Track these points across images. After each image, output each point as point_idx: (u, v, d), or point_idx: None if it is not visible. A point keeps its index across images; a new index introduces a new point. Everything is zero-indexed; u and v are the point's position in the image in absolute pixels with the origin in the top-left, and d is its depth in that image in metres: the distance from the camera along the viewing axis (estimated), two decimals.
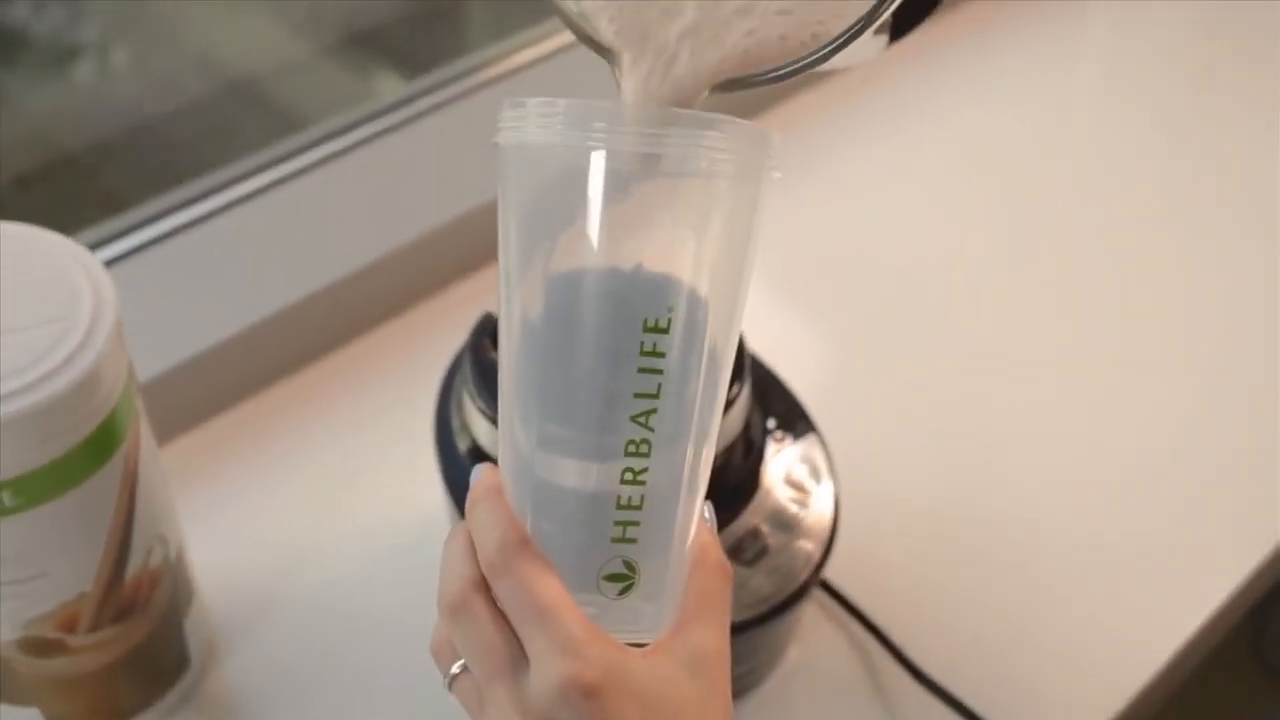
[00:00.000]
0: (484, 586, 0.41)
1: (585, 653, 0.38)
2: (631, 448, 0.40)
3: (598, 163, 0.39)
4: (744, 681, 0.64)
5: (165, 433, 0.72)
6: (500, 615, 0.41)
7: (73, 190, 1.10)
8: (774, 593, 0.59)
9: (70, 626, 0.56)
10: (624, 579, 0.42)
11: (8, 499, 0.50)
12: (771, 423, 0.63)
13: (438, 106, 0.89)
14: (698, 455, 0.42)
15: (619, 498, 0.41)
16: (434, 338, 0.79)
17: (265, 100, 1.22)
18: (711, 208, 0.40)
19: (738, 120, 0.40)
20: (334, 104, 1.17)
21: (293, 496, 0.73)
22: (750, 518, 0.60)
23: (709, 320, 0.40)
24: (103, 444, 0.53)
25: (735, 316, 0.42)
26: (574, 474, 0.41)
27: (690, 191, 0.40)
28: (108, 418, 0.52)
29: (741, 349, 0.60)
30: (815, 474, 0.63)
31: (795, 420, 0.64)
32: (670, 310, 0.39)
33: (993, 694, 0.66)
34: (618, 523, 0.41)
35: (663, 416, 0.40)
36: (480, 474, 0.43)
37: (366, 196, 0.84)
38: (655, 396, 0.40)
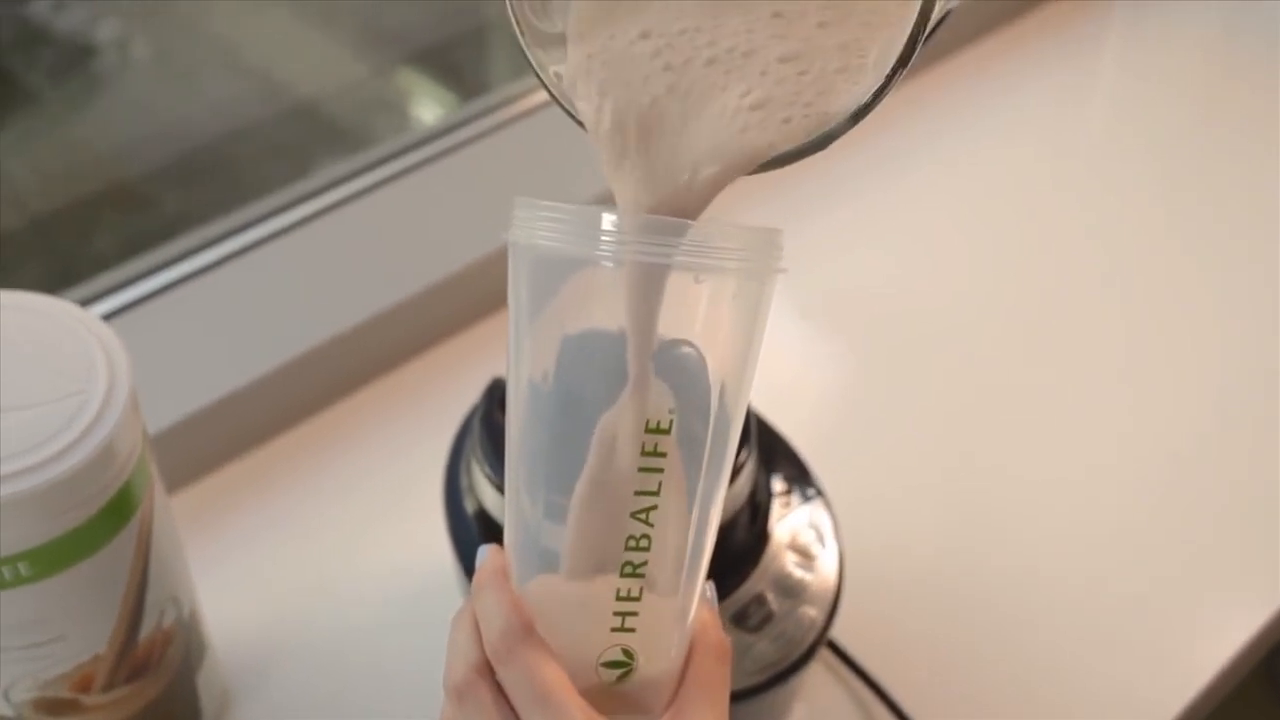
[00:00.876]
0: (488, 671, 0.42)
1: None
2: (631, 542, 0.41)
3: (606, 272, 0.40)
4: None
5: (174, 483, 0.73)
6: (503, 699, 0.42)
7: (68, 243, 1.12)
8: (778, 660, 0.60)
9: (85, 687, 0.57)
10: (622, 665, 0.43)
11: (24, 569, 0.51)
12: (778, 486, 0.64)
13: (434, 158, 0.90)
14: (699, 545, 0.43)
15: (618, 590, 0.42)
16: (445, 384, 0.80)
17: (264, 146, 1.23)
18: (718, 311, 0.40)
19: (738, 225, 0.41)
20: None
21: (302, 545, 0.74)
22: (756, 583, 0.61)
23: (713, 416, 0.41)
24: (118, 513, 0.54)
25: (739, 409, 0.42)
26: (579, 552, 0.42)
27: (698, 299, 0.40)
28: (123, 487, 0.53)
29: (749, 412, 0.61)
30: (820, 538, 0.63)
31: (801, 483, 0.65)
32: (672, 413, 0.40)
33: None
34: (617, 613, 0.42)
35: (663, 512, 0.41)
36: (486, 556, 0.44)
37: (372, 246, 0.85)
38: (655, 494, 0.41)
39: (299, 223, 0.84)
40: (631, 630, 0.42)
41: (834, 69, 0.39)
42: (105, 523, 0.53)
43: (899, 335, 0.90)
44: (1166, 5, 1.20)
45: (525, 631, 0.42)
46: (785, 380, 0.84)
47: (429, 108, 1.29)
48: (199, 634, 0.63)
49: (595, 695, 0.42)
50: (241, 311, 0.80)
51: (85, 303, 0.78)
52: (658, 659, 0.43)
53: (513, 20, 0.42)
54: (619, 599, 0.42)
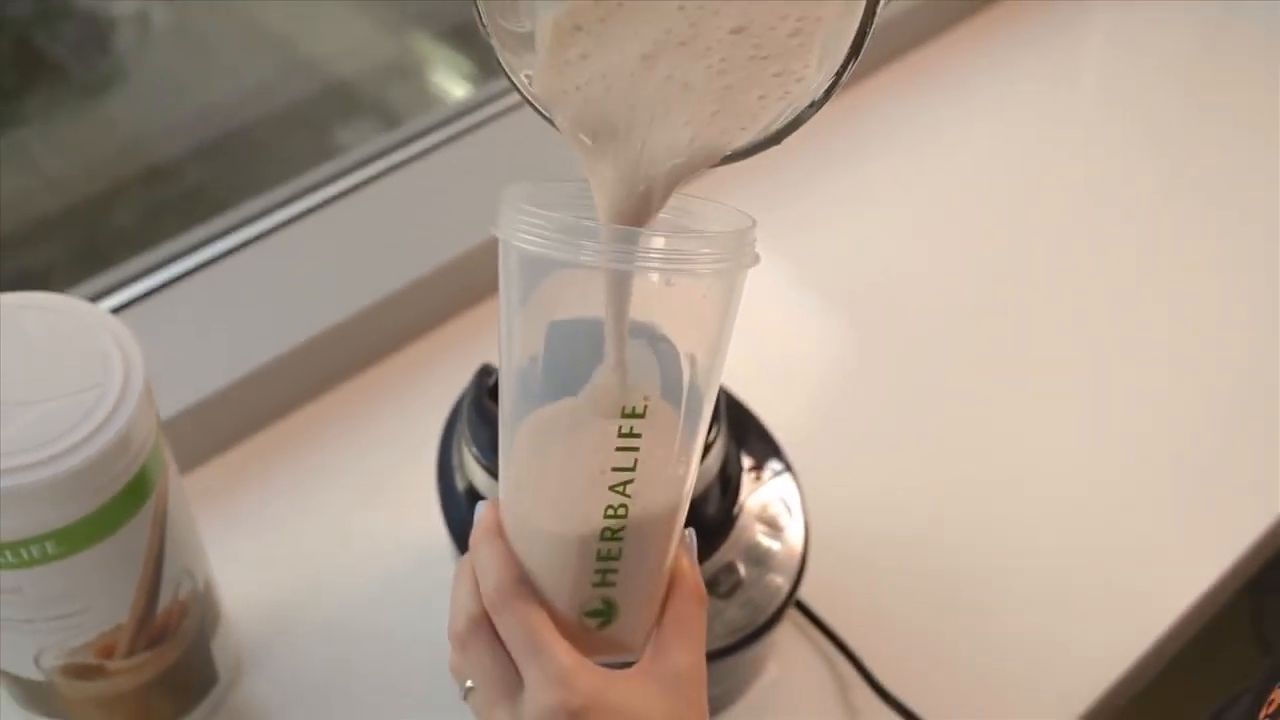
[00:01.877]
0: (486, 620, 0.47)
1: (572, 682, 0.44)
2: (610, 511, 0.45)
3: (589, 275, 0.43)
4: (722, 700, 0.70)
5: (188, 463, 0.78)
6: (499, 646, 0.47)
7: (83, 234, 1.16)
8: (746, 624, 0.64)
9: (108, 653, 0.62)
10: (603, 614, 0.48)
11: (51, 548, 0.56)
12: (748, 461, 0.68)
13: (422, 154, 0.93)
14: (673, 508, 0.47)
15: (599, 551, 0.46)
16: (440, 367, 0.84)
17: (272, 140, 1.26)
18: (690, 306, 0.44)
19: (721, 207, 0.45)
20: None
21: (308, 520, 0.79)
22: (726, 553, 0.65)
23: (684, 400, 0.45)
24: (135, 495, 0.58)
25: (710, 388, 0.46)
26: (561, 520, 0.46)
27: (669, 296, 0.44)
28: (139, 471, 0.58)
29: (718, 391, 0.65)
30: (789, 509, 0.68)
31: (770, 458, 0.69)
32: (647, 399, 0.44)
33: (956, 713, 0.71)
34: (598, 570, 0.47)
35: (639, 484, 0.45)
36: (483, 511, 0.49)
37: (365, 237, 0.88)
38: (631, 469, 0.45)
39: (297, 216, 0.88)
40: (611, 585, 0.47)
41: (771, 75, 0.42)
42: (124, 504, 0.58)
43: (871, 312, 0.93)
44: None
45: (516, 584, 0.47)
46: (758, 358, 0.86)
47: (432, 92, 1.31)
48: (214, 604, 0.68)
49: (579, 638, 0.47)
50: (250, 301, 0.84)
51: (100, 294, 0.83)
52: (636, 607, 0.48)
53: (481, 24, 0.43)
54: (599, 559, 0.46)
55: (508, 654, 0.46)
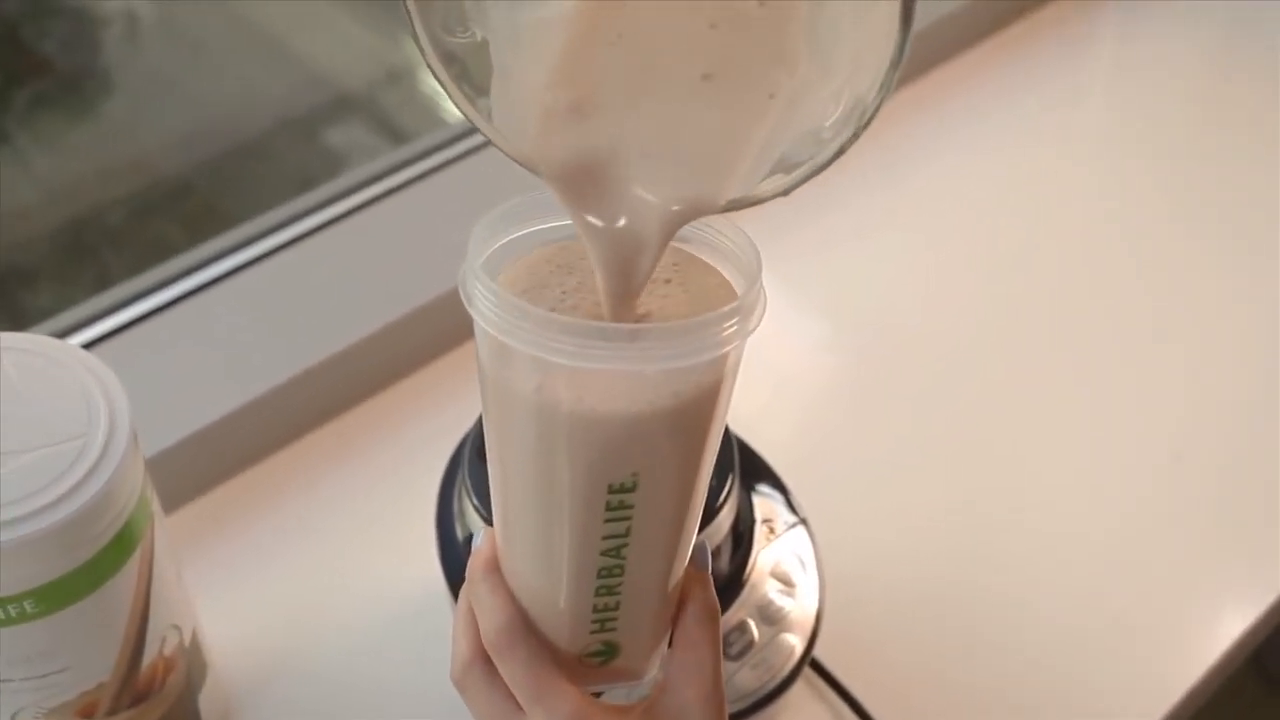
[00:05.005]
0: (480, 658, 0.46)
1: None
2: (604, 572, 0.44)
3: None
4: None
5: (170, 503, 0.74)
6: (499, 686, 0.45)
7: (67, 265, 1.14)
8: (758, 688, 0.62)
9: (90, 713, 0.59)
10: (604, 654, 0.46)
11: (29, 607, 0.53)
12: (760, 515, 0.66)
13: (422, 176, 0.90)
14: (671, 558, 0.45)
15: (594, 605, 0.45)
16: (441, 400, 0.81)
17: (252, 168, 1.24)
18: (674, 387, 0.40)
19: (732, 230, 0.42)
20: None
21: (299, 562, 0.76)
22: (738, 612, 0.63)
23: (680, 471, 0.42)
24: (121, 548, 0.55)
25: (707, 458, 0.44)
26: (555, 579, 0.44)
27: (651, 379, 0.40)
28: (125, 525, 0.55)
29: (730, 438, 0.62)
30: (802, 564, 0.65)
31: (784, 512, 0.67)
32: (635, 475, 0.41)
33: None
34: (595, 620, 0.45)
35: (633, 547, 0.43)
36: (480, 543, 0.47)
37: (363, 265, 0.86)
38: (624, 536, 0.43)
39: (289, 242, 0.85)
40: (611, 630, 0.46)
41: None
42: (108, 559, 0.55)
43: (881, 348, 0.90)
44: (1162, 4, 1.20)
45: (516, 626, 0.45)
46: (771, 407, 0.85)
47: (431, 105, 1.29)
48: (200, 656, 0.65)
49: (582, 674, 0.46)
50: (236, 332, 0.81)
51: (78, 325, 0.80)
52: (639, 642, 0.47)
53: (419, 43, 0.38)
54: (595, 611, 0.45)
55: (507, 693, 0.45)
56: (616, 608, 0.45)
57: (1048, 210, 1.03)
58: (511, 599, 0.46)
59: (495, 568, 0.46)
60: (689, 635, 0.46)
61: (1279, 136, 1.08)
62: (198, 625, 0.65)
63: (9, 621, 0.53)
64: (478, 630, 0.46)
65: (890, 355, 0.90)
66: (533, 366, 0.39)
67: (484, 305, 0.39)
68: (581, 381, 0.39)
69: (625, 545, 0.43)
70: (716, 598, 0.47)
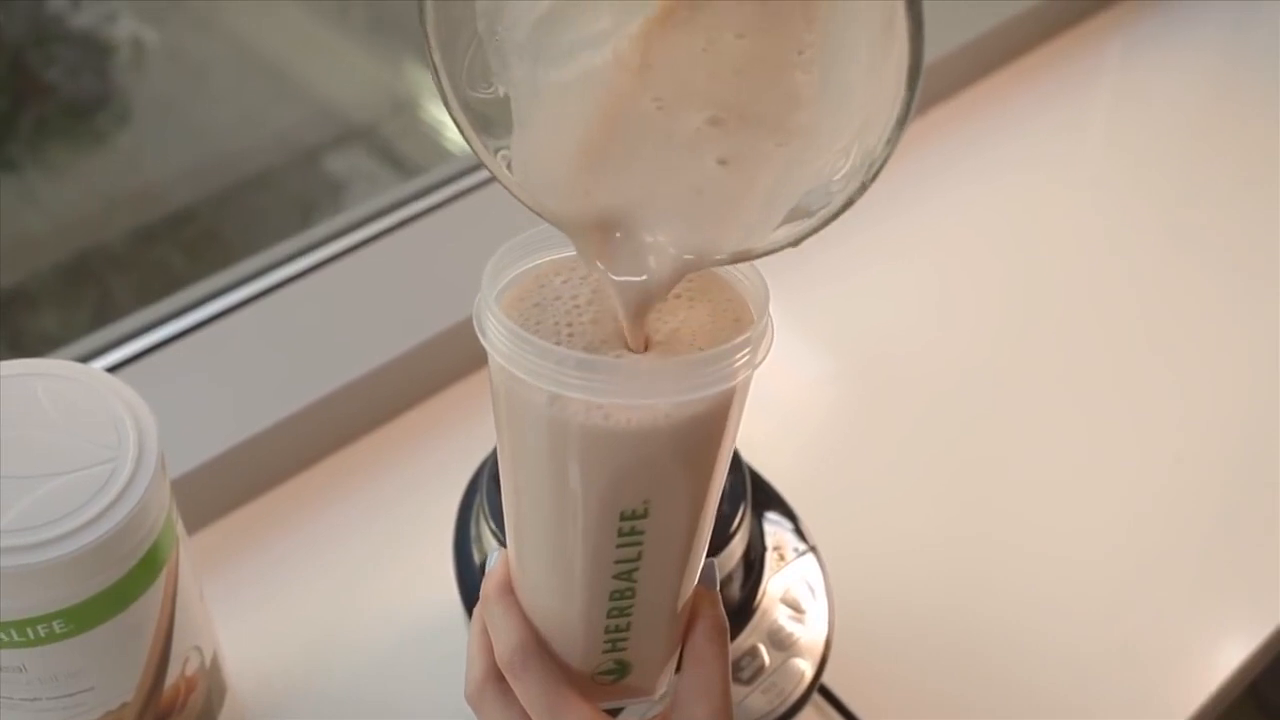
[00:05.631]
0: (496, 678, 0.47)
1: None
2: (616, 595, 0.44)
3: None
4: None
5: (189, 526, 0.75)
6: (512, 704, 0.46)
7: (71, 291, 1.15)
8: (769, 712, 0.63)
9: None
10: (616, 672, 0.47)
11: (59, 627, 0.54)
12: (771, 542, 0.67)
13: (438, 206, 0.92)
14: (681, 579, 0.46)
15: (606, 626, 0.46)
16: (458, 424, 0.82)
17: (278, 191, 1.25)
18: (692, 413, 0.40)
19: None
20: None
21: (318, 584, 0.77)
22: (749, 637, 0.64)
23: (690, 497, 0.43)
24: (147, 570, 0.57)
25: (716, 482, 0.44)
26: (568, 603, 0.45)
27: (672, 408, 0.40)
28: (152, 547, 0.56)
29: (741, 467, 0.64)
30: (812, 591, 0.66)
31: (794, 539, 0.68)
32: (646, 503, 0.42)
33: None
34: (607, 640, 0.46)
35: (644, 570, 0.44)
36: (494, 564, 0.48)
37: (378, 295, 0.87)
38: (636, 560, 0.44)
39: (305, 271, 0.86)
40: (623, 649, 0.46)
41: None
42: (135, 581, 0.56)
43: (889, 382, 0.91)
44: (1165, 36, 1.22)
45: (531, 647, 0.46)
46: (779, 435, 0.86)
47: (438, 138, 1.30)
48: (219, 678, 0.66)
49: (595, 691, 0.47)
50: (256, 358, 0.83)
51: (100, 351, 0.81)
52: (650, 659, 0.47)
53: (445, 98, 0.39)
54: (607, 632, 0.46)
55: (522, 712, 0.46)
56: (628, 628, 0.46)
57: (1051, 241, 1.04)
58: (525, 619, 0.47)
59: (509, 589, 0.47)
60: (699, 652, 0.47)
61: None
62: (218, 648, 0.66)
63: (39, 641, 0.54)
64: (492, 650, 0.47)
65: (896, 382, 0.91)
66: (546, 396, 0.40)
67: (497, 339, 0.40)
68: (594, 408, 0.40)
69: (636, 569, 0.44)
70: (725, 615, 0.48)
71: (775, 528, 0.68)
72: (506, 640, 0.46)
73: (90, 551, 0.53)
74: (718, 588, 0.48)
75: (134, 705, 0.60)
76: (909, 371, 0.91)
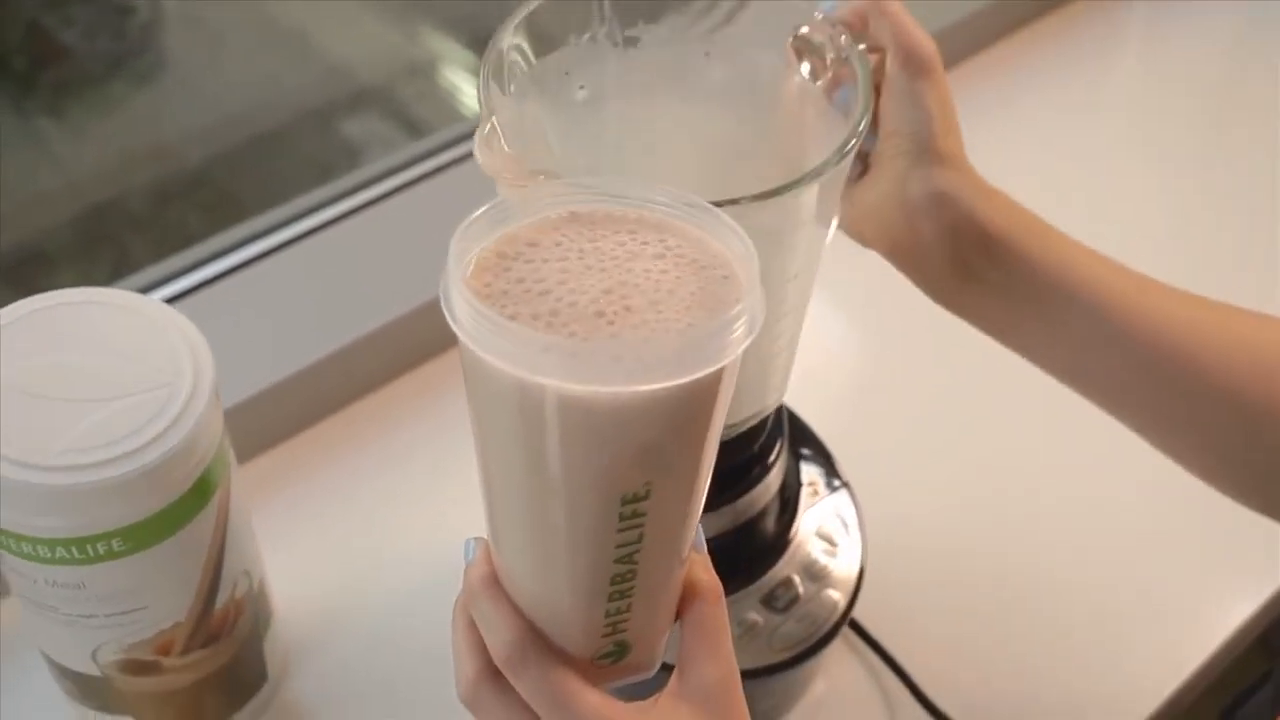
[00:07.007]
0: (491, 675, 0.45)
1: None
2: (617, 579, 0.43)
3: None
4: (768, 715, 0.70)
5: (240, 455, 0.77)
6: (513, 700, 0.45)
7: (87, 250, 1.16)
8: (803, 639, 0.64)
9: (166, 650, 0.62)
10: (615, 654, 0.46)
11: (117, 545, 0.56)
12: (806, 478, 0.68)
13: None
14: (682, 551, 0.44)
15: (608, 610, 0.44)
16: None
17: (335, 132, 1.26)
18: (690, 397, 0.38)
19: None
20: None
21: (360, 516, 0.79)
22: (784, 569, 0.65)
23: (689, 473, 0.41)
24: (200, 494, 0.58)
25: (712, 450, 0.42)
26: (565, 592, 0.43)
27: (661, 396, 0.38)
28: (205, 471, 0.58)
29: (781, 408, 0.65)
30: (845, 526, 0.68)
31: (829, 475, 0.69)
32: (648, 484, 0.40)
33: None
34: (608, 624, 0.44)
35: (646, 549, 0.42)
36: (474, 557, 0.46)
37: (439, 223, 0.88)
38: (638, 542, 0.41)
39: (357, 208, 0.88)
40: (623, 631, 0.45)
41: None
42: (189, 504, 0.58)
43: (927, 328, 0.92)
44: (1184, 4, 1.23)
45: (529, 640, 0.44)
46: (816, 375, 0.85)
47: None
48: (266, 603, 0.68)
49: (594, 674, 0.45)
50: (301, 296, 0.84)
51: (155, 285, 0.82)
52: (649, 637, 0.46)
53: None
54: (607, 616, 0.44)
55: (523, 706, 0.44)
56: (629, 610, 0.44)
57: (1067, 206, 1.05)
58: (517, 612, 0.44)
59: (495, 581, 0.45)
60: (701, 618, 0.45)
61: None
62: (265, 574, 0.67)
63: (97, 559, 0.56)
64: (483, 647, 0.45)
65: (933, 328, 0.91)
66: (541, 387, 0.37)
67: (466, 319, 0.37)
68: (595, 396, 0.37)
69: (638, 550, 0.42)
70: (718, 578, 0.47)
71: (810, 465, 0.69)
72: (502, 636, 0.44)
73: (147, 473, 0.55)
74: (705, 547, 0.47)
75: (186, 625, 0.61)
76: (946, 317, 0.92)
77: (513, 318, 0.37)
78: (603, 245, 0.40)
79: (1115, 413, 0.61)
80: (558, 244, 0.40)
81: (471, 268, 0.39)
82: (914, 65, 0.56)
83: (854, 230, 0.62)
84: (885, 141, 0.57)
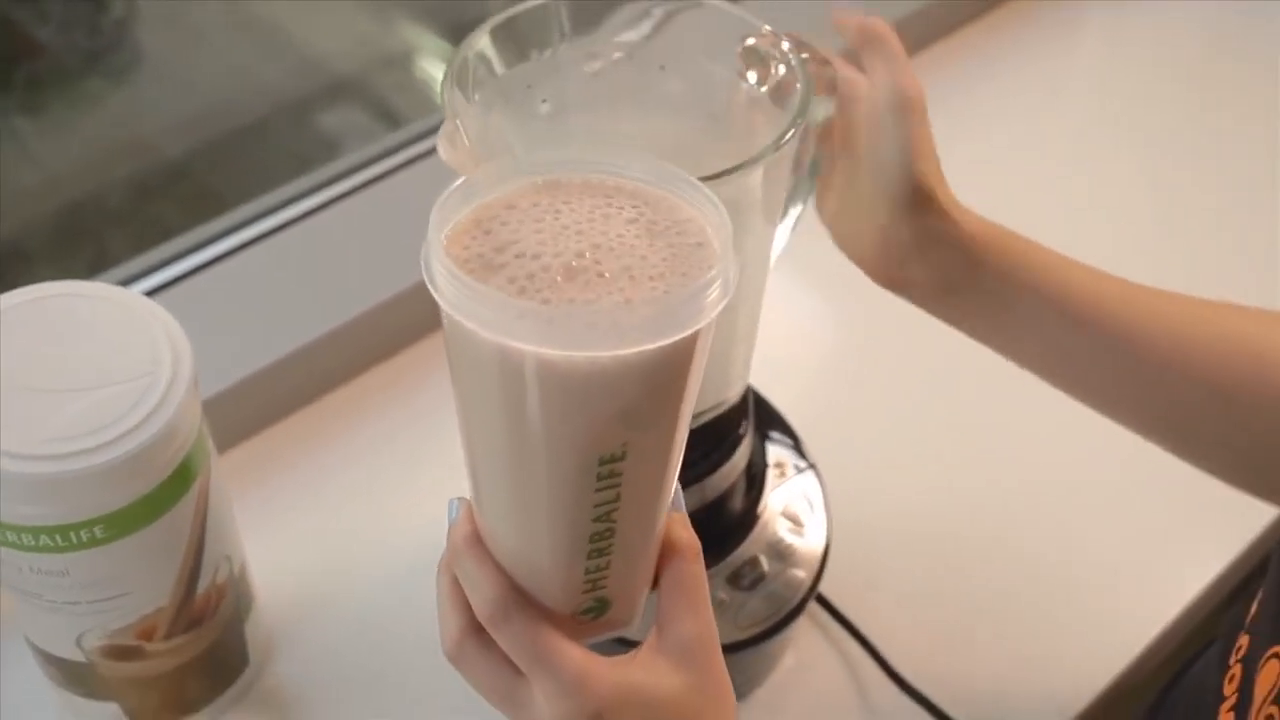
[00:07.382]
0: (474, 631, 0.47)
1: (586, 687, 0.44)
2: (596, 537, 0.44)
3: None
4: (740, 689, 0.71)
5: (220, 445, 0.79)
6: (495, 655, 0.46)
7: (64, 246, 1.16)
8: (768, 616, 0.66)
9: (148, 635, 0.63)
10: (596, 609, 0.47)
11: (99, 532, 0.57)
12: (773, 458, 0.70)
13: None
14: (660, 510, 0.45)
15: (587, 568, 0.45)
16: None
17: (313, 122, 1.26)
18: (666, 360, 0.39)
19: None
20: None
21: (340, 502, 0.80)
22: (750, 548, 0.67)
23: (666, 434, 0.42)
24: (180, 482, 0.60)
25: (688, 411, 0.43)
26: (546, 551, 0.44)
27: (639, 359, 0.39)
28: (185, 459, 0.59)
29: (746, 389, 0.67)
30: (811, 506, 0.70)
31: (795, 458, 0.71)
32: (625, 445, 0.41)
33: (973, 703, 0.73)
34: (588, 580, 0.46)
35: (623, 508, 0.43)
36: (458, 516, 0.48)
37: (417, 213, 0.89)
38: (615, 502, 0.43)
39: (335, 199, 0.89)
40: (603, 588, 0.46)
41: None
42: (169, 491, 0.59)
43: (894, 312, 0.93)
44: None
45: (511, 597, 0.45)
46: (781, 356, 0.87)
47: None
48: (248, 587, 0.69)
49: (574, 629, 0.46)
50: (281, 285, 0.85)
51: (133, 279, 0.84)
52: (629, 593, 0.47)
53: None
54: (587, 573, 0.45)
55: (506, 660, 0.46)
56: (607, 566, 0.45)
57: (1038, 195, 1.06)
58: (499, 570, 0.46)
59: (477, 540, 0.46)
60: (679, 575, 0.47)
61: (1272, 119, 1.11)
62: (246, 559, 0.69)
63: (80, 546, 0.57)
64: (466, 605, 0.47)
65: (896, 311, 0.93)
66: (520, 351, 0.38)
67: (446, 286, 0.38)
68: (573, 360, 0.38)
69: (616, 509, 0.43)
70: (696, 536, 0.48)
71: (777, 446, 0.71)
72: (484, 593, 0.45)
73: (128, 460, 0.56)
74: (684, 508, 0.48)
75: (168, 610, 0.63)
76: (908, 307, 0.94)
77: (488, 281, 0.38)
78: (579, 209, 0.41)
79: (1088, 401, 0.68)
80: (534, 205, 0.41)
81: (450, 233, 0.40)
82: (903, 103, 0.60)
83: (842, 246, 0.67)
84: (869, 175, 0.61)
